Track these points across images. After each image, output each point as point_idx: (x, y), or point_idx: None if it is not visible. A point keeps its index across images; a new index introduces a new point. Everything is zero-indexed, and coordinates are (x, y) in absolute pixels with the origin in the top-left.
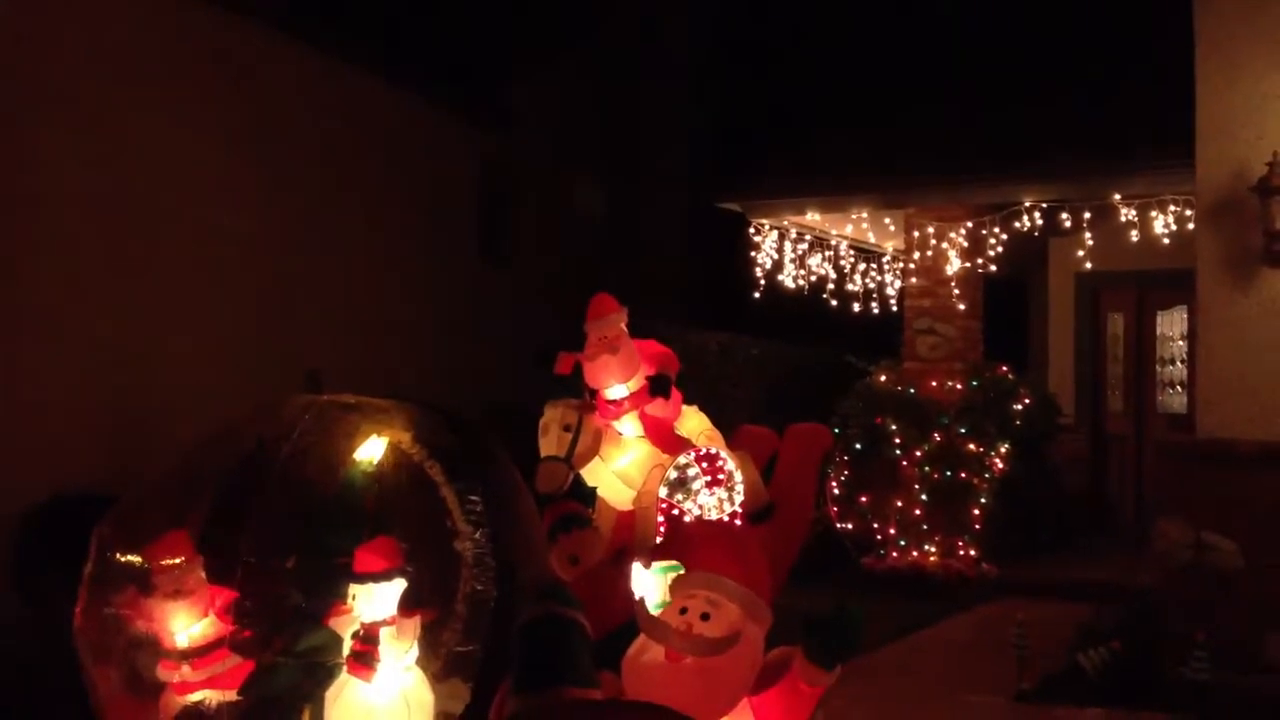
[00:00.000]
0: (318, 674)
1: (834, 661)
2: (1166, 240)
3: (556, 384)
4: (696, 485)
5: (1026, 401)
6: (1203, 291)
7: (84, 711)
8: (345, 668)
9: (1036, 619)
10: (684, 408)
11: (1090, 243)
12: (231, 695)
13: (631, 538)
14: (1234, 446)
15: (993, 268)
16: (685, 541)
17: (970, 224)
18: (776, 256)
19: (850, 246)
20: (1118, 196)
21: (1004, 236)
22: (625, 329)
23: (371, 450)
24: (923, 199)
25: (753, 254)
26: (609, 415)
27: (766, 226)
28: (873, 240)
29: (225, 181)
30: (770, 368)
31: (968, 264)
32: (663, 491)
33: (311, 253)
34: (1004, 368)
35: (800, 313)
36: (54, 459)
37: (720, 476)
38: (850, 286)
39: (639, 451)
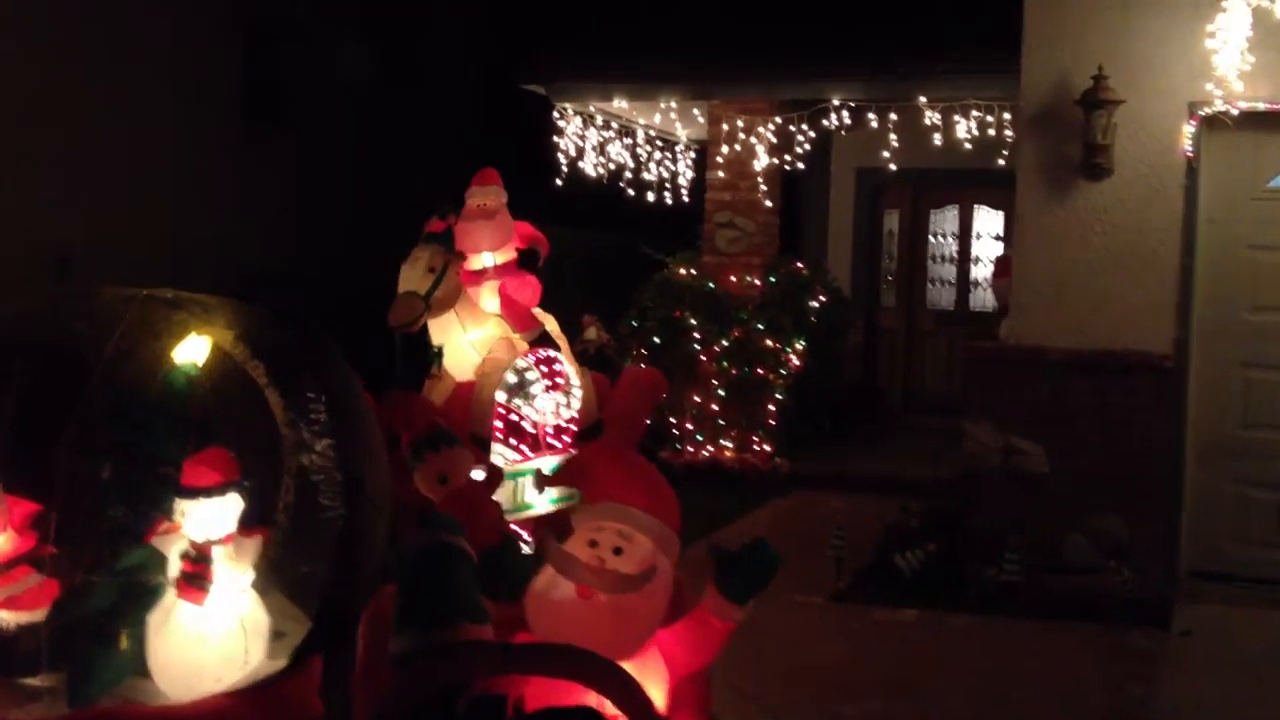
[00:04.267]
0: (138, 595)
1: (747, 595)
2: (968, 145)
3: (424, 238)
4: (535, 389)
5: (822, 299)
6: (1022, 200)
7: None
8: (174, 590)
9: (835, 514)
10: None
11: (876, 140)
12: (32, 617)
13: (466, 412)
14: (1044, 353)
15: (800, 165)
16: (585, 469)
17: (779, 119)
18: (580, 143)
19: (647, 136)
20: (923, 99)
21: (812, 134)
22: (504, 205)
23: (194, 350)
24: (734, 91)
25: (555, 139)
26: (470, 282)
27: (570, 110)
28: (679, 131)
29: None
30: (567, 256)
31: (775, 160)
32: (500, 395)
33: (60, 117)
34: (799, 264)
35: (597, 201)
36: None
37: (559, 380)
38: (646, 176)
39: (491, 328)
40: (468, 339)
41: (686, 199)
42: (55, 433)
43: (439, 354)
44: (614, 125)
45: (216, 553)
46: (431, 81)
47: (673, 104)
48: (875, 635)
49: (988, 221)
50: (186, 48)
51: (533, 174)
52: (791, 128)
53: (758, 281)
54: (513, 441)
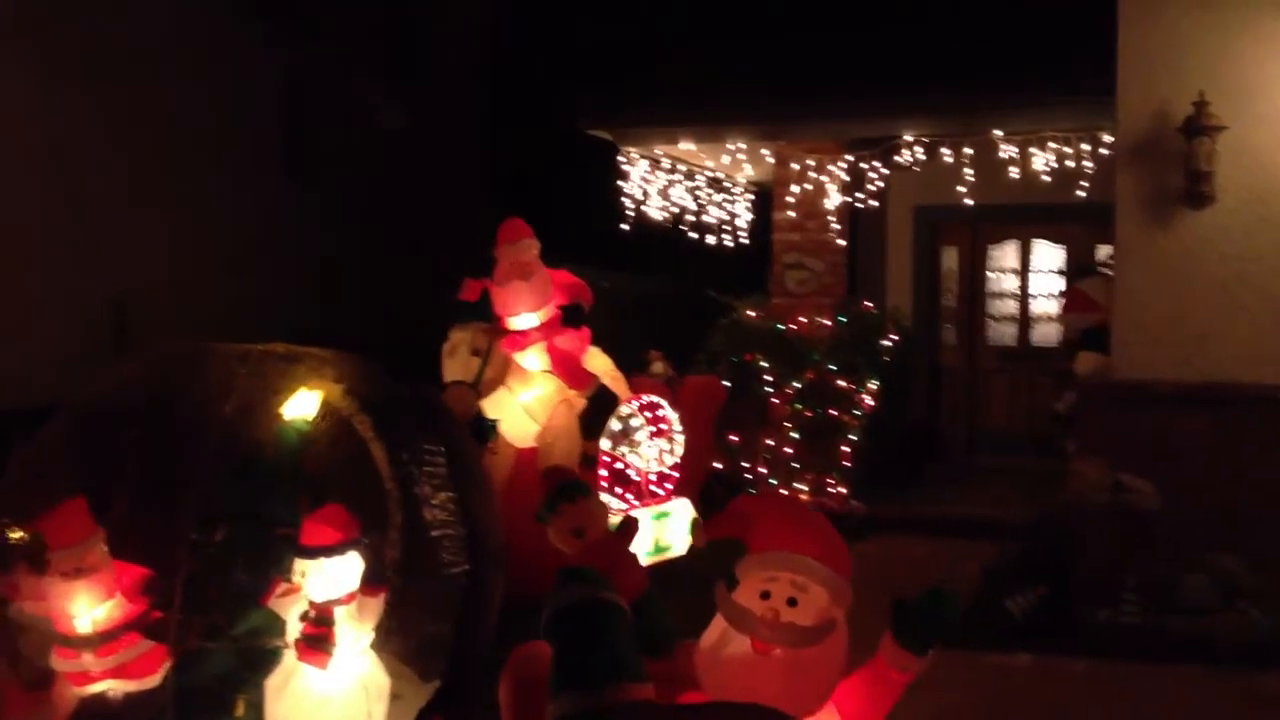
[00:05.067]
0: (256, 660)
1: (926, 646)
2: (1047, 178)
3: (463, 311)
4: (640, 435)
5: (894, 337)
6: (1122, 232)
7: None
8: (295, 653)
9: (926, 559)
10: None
11: (934, 177)
12: (141, 685)
13: (533, 478)
14: (1152, 387)
15: (874, 203)
16: (748, 516)
17: (851, 157)
18: (645, 187)
19: (708, 179)
20: (998, 132)
21: (884, 171)
22: (538, 256)
23: (304, 406)
24: (803, 132)
25: (620, 183)
26: (515, 346)
27: (634, 154)
28: (745, 171)
29: None
30: (631, 302)
31: (847, 199)
32: (605, 444)
33: (102, 168)
34: (868, 303)
35: (655, 246)
36: None
37: (663, 426)
38: (706, 219)
39: (545, 386)
40: (519, 402)
41: (745, 241)
42: (167, 496)
43: (493, 427)
44: (674, 168)
45: (338, 613)
46: (458, 125)
47: (740, 145)
48: (992, 682)
49: (1046, 256)
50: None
51: (583, 218)
52: (863, 165)
53: (828, 322)
54: (618, 490)
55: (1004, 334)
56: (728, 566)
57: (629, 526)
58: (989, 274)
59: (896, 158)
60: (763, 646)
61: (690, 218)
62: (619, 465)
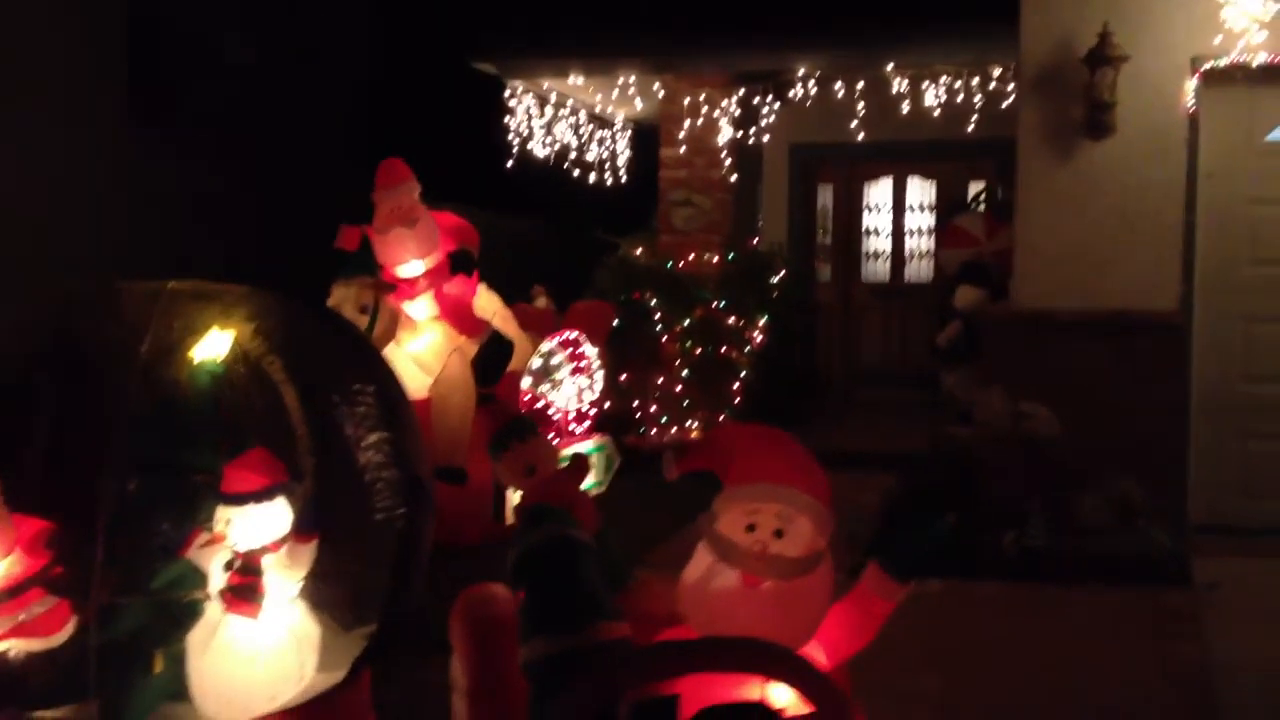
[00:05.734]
0: (175, 614)
1: (913, 573)
2: (937, 112)
3: (343, 262)
4: (560, 373)
5: (783, 273)
6: (1023, 163)
7: None
8: (221, 605)
9: (846, 491)
10: None
11: (808, 114)
12: (46, 643)
13: (427, 429)
14: (1052, 316)
15: (766, 138)
16: (725, 446)
17: (743, 90)
18: (529, 124)
19: (590, 116)
20: (891, 66)
21: (777, 105)
22: (419, 200)
23: (215, 347)
24: (695, 64)
25: (506, 120)
26: (403, 296)
27: (519, 89)
28: (639, 107)
29: None
30: (510, 243)
31: (739, 134)
32: (526, 382)
33: None
34: (754, 240)
35: (534, 185)
36: None
37: (583, 364)
38: (587, 157)
39: (435, 334)
40: (408, 353)
41: (624, 180)
42: (76, 445)
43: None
44: (558, 105)
45: (266, 561)
46: (329, 61)
47: (631, 79)
48: (903, 608)
49: (918, 194)
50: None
51: (464, 157)
52: (756, 101)
53: (716, 259)
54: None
55: (878, 271)
56: (705, 499)
57: (580, 463)
58: (864, 211)
59: (791, 94)
60: (752, 579)
61: (573, 155)
62: (540, 404)
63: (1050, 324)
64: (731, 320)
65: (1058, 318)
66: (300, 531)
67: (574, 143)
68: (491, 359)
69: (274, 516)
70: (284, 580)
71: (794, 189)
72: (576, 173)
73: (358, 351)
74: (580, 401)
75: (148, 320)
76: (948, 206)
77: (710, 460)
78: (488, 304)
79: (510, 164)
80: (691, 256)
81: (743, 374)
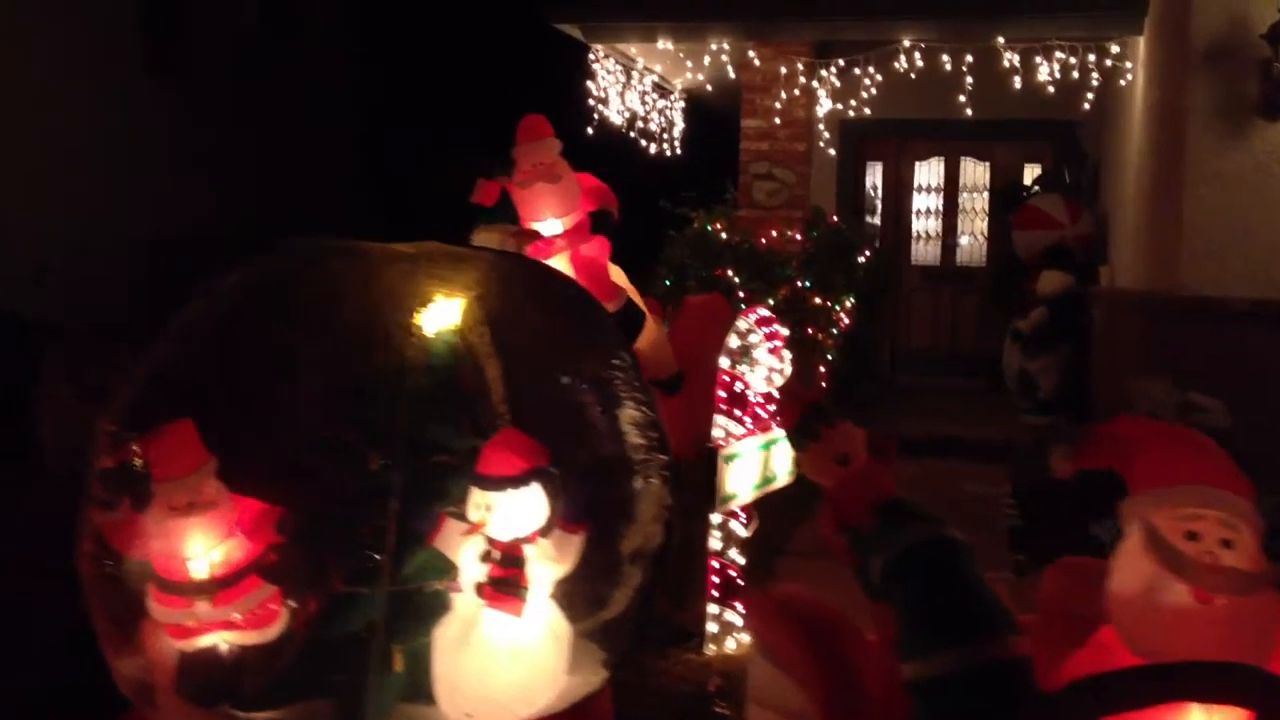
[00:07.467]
0: (422, 607)
1: None
2: (1051, 89)
3: (482, 216)
4: (759, 351)
5: (868, 254)
6: (1192, 143)
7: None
8: (481, 599)
9: (921, 480)
10: None
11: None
12: (261, 637)
13: None
14: (1223, 304)
15: (867, 111)
16: (1124, 441)
17: (842, 61)
18: (609, 89)
19: (656, 84)
20: (1001, 40)
21: (879, 78)
22: (560, 156)
23: (445, 316)
24: (794, 31)
25: (588, 84)
26: (540, 254)
27: (601, 53)
28: (731, 76)
29: None
30: None
31: (838, 106)
32: (724, 361)
33: None
34: (835, 218)
35: (604, 152)
36: None
37: (778, 342)
38: (651, 126)
39: None
40: None
41: (682, 150)
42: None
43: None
44: (642, 70)
45: (527, 552)
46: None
47: (724, 45)
48: None
49: (974, 174)
50: None
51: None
52: (857, 71)
53: (799, 236)
54: (736, 414)
55: (927, 253)
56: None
57: (886, 446)
58: (914, 191)
59: (893, 64)
60: (1204, 595)
61: (638, 125)
62: (738, 386)
63: (1221, 312)
64: (818, 300)
65: (1230, 305)
66: (569, 520)
67: (640, 110)
68: (626, 334)
69: (534, 504)
70: (548, 573)
71: (844, 167)
72: (643, 143)
73: (628, 316)
74: (771, 384)
75: (393, 285)
76: (1010, 187)
77: (1114, 458)
78: (617, 276)
79: (590, 130)
80: (774, 233)
81: (829, 356)
